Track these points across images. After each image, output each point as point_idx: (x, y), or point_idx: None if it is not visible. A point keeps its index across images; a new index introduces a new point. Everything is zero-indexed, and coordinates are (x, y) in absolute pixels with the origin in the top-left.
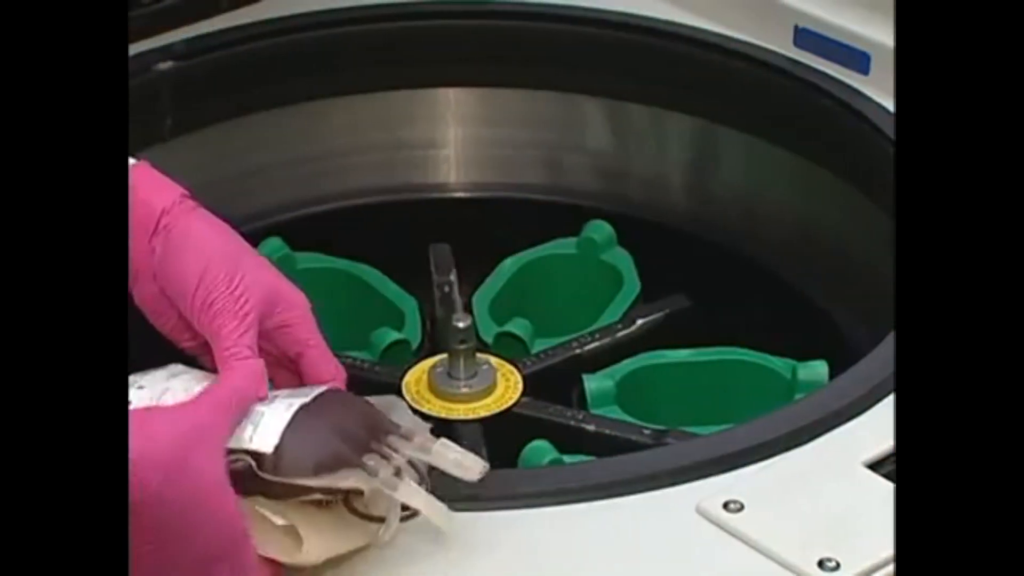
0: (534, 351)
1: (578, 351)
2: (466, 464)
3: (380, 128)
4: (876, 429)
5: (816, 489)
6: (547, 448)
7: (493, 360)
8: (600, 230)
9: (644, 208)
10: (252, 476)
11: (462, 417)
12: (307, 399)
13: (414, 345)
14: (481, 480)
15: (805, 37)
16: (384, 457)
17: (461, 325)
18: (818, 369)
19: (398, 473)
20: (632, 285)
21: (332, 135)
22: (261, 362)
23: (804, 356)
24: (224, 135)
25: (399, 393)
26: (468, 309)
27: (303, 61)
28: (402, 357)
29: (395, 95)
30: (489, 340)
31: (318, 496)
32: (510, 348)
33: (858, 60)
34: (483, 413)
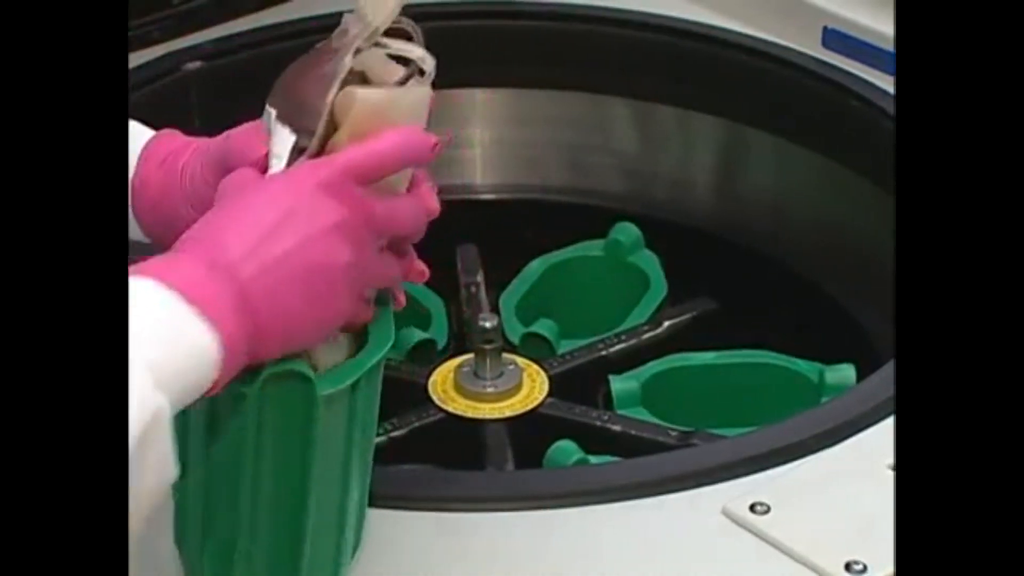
0: (560, 352)
1: (604, 352)
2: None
3: None
4: None
5: (843, 491)
6: (573, 448)
7: (519, 360)
8: (627, 232)
9: (671, 210)
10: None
11: (488, 416)
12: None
13: (441, 345)
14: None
15: (833, 38)
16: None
17: (488, 325)
18: (846, 372)
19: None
20: (658, 287)
21: None
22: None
23: (831, 358)
24: None
25: (426, 392)
26: (495, 309)
27: None
28: (429, 357)
29: None
30: (515, 340)
31: None
32: (536, 349)
33: (886, 61)
34: (509, 413)
